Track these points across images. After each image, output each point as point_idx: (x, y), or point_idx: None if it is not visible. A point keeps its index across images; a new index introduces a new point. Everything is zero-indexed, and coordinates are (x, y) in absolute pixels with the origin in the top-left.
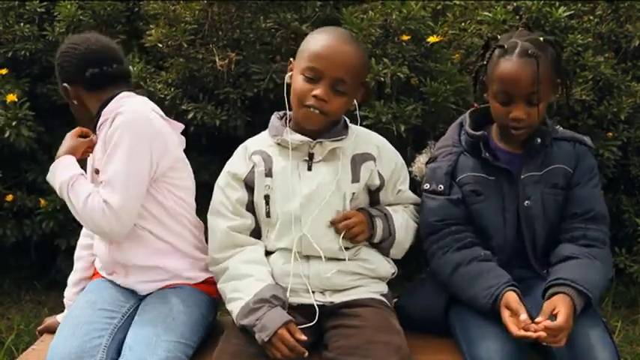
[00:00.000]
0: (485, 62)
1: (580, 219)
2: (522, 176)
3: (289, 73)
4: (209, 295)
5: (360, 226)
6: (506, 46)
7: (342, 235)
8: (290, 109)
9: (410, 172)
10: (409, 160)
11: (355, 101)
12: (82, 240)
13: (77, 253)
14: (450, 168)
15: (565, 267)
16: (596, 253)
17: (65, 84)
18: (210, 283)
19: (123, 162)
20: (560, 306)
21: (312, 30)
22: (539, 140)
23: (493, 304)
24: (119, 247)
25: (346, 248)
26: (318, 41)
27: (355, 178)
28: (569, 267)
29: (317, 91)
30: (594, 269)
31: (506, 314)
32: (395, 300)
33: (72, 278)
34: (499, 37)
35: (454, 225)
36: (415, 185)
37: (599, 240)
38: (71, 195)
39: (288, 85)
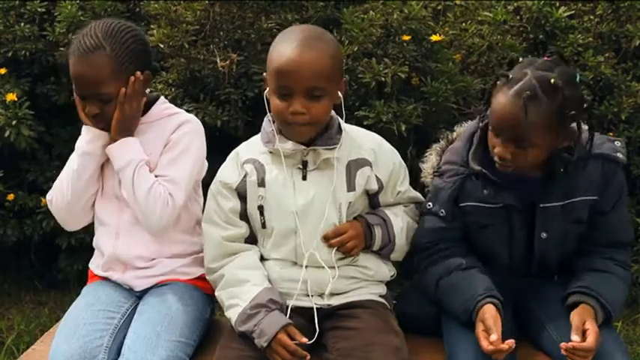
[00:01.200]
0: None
1: (607, 246)
2: (541, 205)
3: (267, 89)
4: (203, 290)
5: (355, 241)
6: (511, 76)
7: (334, 250)
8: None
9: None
10: (411, 161)
11: (340, 93)
12: None
13: None
14: (454, 192)
15: (592, 277)
16: (621, 274)
17: (147, 71)
18: (204, 279)
19: (189, 167)
20: (589, 323)
21: None
22: (562, 170)
23: (470, 318)
24: (126, 244)
25: (342, 258)
26: (280, 55)
27: (351, 187)
28: (596, 278)
29: (293, 107)
30: (619, 289)
31: (479, 328)
32: (394, 301)
33: None
34: (521, 59)
35: (444, 243)
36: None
37: (624, 263)
38: (137, 175)
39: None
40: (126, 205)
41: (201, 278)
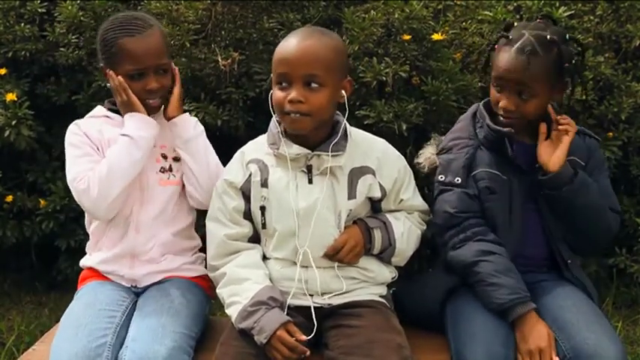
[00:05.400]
0: (494, 46)
1: None
2: (537, 165)
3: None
4: (203, 289)
5: (354, 251)
6: (511, 37)
7: (336, 265)
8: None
9: (417, 164)
10: (410, 159)
11: (344, 92)
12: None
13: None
14: (467, 161)
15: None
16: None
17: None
18: (204, 279)
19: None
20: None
21: None
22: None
23: (508, 309)
24: (146, 238)
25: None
26: (281, 47)
27: (352, 195)
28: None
29: (290, 95)
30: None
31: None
32: (392, 289)
33: None
34: (516, 24)
35: (473, 218)
36: (420, 178)
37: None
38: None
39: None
40: (149, 198)
41: (202, 278)
